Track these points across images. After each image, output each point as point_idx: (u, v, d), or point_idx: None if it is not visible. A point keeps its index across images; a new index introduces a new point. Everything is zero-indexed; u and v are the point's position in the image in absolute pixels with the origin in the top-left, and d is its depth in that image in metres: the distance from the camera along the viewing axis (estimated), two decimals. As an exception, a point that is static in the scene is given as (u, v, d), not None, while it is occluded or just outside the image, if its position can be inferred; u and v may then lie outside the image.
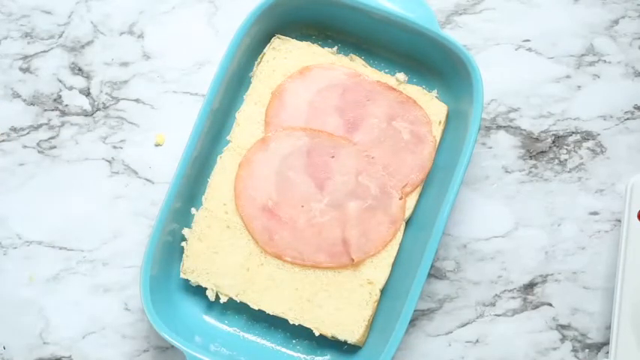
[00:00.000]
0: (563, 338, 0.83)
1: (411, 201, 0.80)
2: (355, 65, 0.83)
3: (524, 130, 0.86)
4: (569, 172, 0.86)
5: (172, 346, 0.76)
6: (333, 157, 0.80)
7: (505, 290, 0.84)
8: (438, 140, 0.82)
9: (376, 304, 0.79)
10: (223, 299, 0.80)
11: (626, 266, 0.78)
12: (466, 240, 0.85)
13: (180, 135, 0.80)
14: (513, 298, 0.84)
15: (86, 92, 0.87)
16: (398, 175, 0.81)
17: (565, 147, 0.86)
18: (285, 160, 0.80)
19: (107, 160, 0.86)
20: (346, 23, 0.82)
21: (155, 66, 0.87)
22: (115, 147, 0.86)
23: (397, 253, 0.80)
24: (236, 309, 0.81)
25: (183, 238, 0.80)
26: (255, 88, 0.83)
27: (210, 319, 0.82)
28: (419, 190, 0.81)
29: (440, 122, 0.82)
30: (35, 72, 0.87)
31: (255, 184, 0.80)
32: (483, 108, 0.79)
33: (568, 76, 0.87)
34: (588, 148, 0.86)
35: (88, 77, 0.87)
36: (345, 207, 0.80)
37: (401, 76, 0.83)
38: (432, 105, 0.82)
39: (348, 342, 0.78)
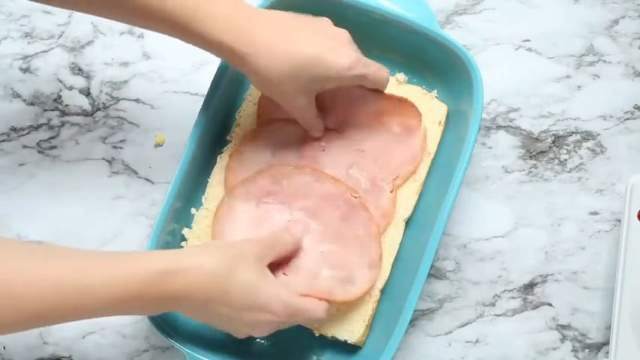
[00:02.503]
0: (563, 338, 0.83)
1: (411, 201, 0.80)
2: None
3: (524, 130, 0.86)
4: (569, 172, 0.86)
5: (172, 346, 0.76)
6: (323, 150, 0.80)
7: (505, 290, 0.84)
8: (438, 140, 0.82)
9: (376, 304, 0.79)
10: (223, 299, 0.79)
11: (626, 266, 0.78)
12: (466, 240, 0.84)
13: (180, 135, 0.80)
14: (513, 298, 0.84)
15: (86, 92, 0.87)
16: (388, 167, 0.80)
17: (565, 147, 0.86)
18: (276, 153, 0.80)
19: (107, 160, 0.86)
20: (346, 23, 0.82)
21: (155, 66, 0.87)
22: (115, 147, 0.86)
23: (397, 253, 0.80)
24: (236, 309, 0.81)
25: (183, 238, 0.80)
26: (255, 87, 0.83)
27: (210, 319, 0.81)
28: (419, 190, 0.81)
29: (440, 122, 0.82)
30: (35, 72, 0.87)
31: (246, 176, 0.79)
32: (483, 108, 0.79)
33: (568, 76, 0.87)
34: (588, 148, 0.86)
35: (88, 77, 0.87)
36: None
37: (401, 76, 0.83)
38: (432, 105, 0.82)
39: (348, 342, 0.78)
